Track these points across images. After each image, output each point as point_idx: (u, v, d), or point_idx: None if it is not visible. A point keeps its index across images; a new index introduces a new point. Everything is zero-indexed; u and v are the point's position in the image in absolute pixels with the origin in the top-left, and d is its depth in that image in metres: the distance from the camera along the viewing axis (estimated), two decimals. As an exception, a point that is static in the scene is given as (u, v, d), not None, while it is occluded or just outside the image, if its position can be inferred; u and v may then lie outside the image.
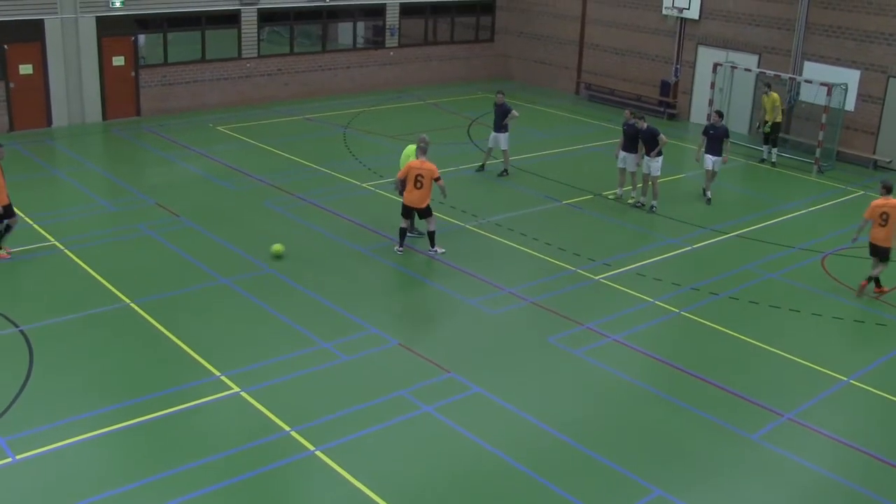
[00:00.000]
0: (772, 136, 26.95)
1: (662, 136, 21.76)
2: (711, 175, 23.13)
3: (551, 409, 13.35)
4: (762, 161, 27.30)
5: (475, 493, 11.45)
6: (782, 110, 26.95)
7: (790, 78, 27.96)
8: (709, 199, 23.18)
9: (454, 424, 12.82)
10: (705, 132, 22.96)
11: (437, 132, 28.56)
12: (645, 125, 21.89)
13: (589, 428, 12.97)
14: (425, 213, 18.68)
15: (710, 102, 29.23)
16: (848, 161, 27.45)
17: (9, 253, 17.78)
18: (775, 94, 26.67)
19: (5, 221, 17.77)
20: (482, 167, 24.96)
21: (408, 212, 18.74)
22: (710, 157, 22.85)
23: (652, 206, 22.14)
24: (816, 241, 20.69)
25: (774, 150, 27.07)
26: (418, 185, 18.37)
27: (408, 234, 19.20)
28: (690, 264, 19.13)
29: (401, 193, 18.98)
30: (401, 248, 18.85)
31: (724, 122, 23.18)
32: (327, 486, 11.42)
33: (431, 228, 18.76)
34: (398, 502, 11.12)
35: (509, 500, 11.35)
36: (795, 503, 11.60)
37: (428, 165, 18.41)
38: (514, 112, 24.31)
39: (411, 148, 19.42)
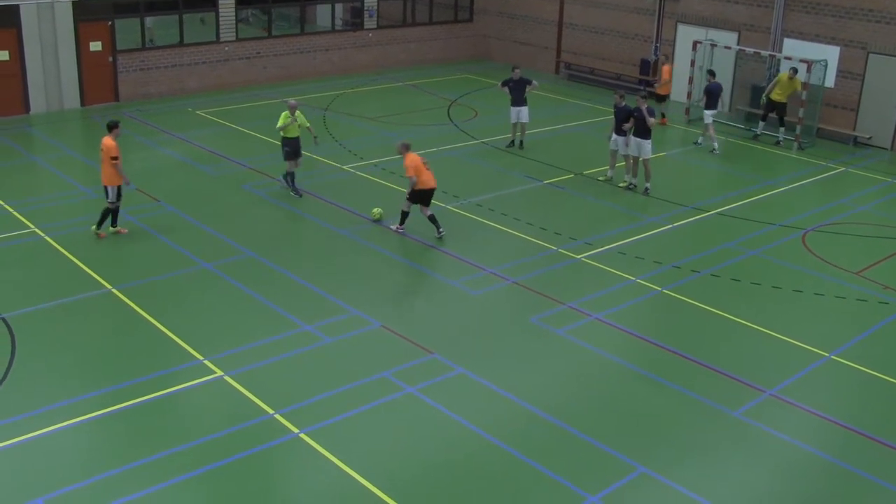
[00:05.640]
0: (779, 116, 26.81)
1: (651, 119, 21.63)
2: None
3: (534, 389, 13.39)
4: (755, 137, 27.31)
5: (459, 474, 11.49)
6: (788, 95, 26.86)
7: (770, 55, 27.99)
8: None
9: (438, 405, 12.84)
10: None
11: (417, 113, 28.56)
12: (645, 105, 21.72)
13: (572, 406, 13.02)
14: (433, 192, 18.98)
15: (691, 80, 29.29)
16: (828, 138, 27.53)
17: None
18: (799, 80, 26.52)
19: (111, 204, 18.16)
20: (512, 143, 25.41)
21: (427, 196, 18.70)
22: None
23: (646, 189, 22.08)
24: (797, 218, 20.77)
25: (782, 130, 26.90)
26: (428, 167, 18.59)
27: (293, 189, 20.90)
28: (672, 242, 19.17)
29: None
30: (402, 228, 19.00)
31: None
32: (312, 468, 11.43)
33: (431, 212, 18.82)
34: (382, 483, 11.15)
35: (493, 479, 11.39)
36: (777, 478, 11.68)
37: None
38: (535, 83, 25.04)
39: (285, 114, 20.48)
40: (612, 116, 22.65)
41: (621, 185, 22.48)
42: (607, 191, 22.18)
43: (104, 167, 17.84)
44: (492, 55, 38.25)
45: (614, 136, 22.44)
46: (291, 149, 20.61)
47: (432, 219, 18.71)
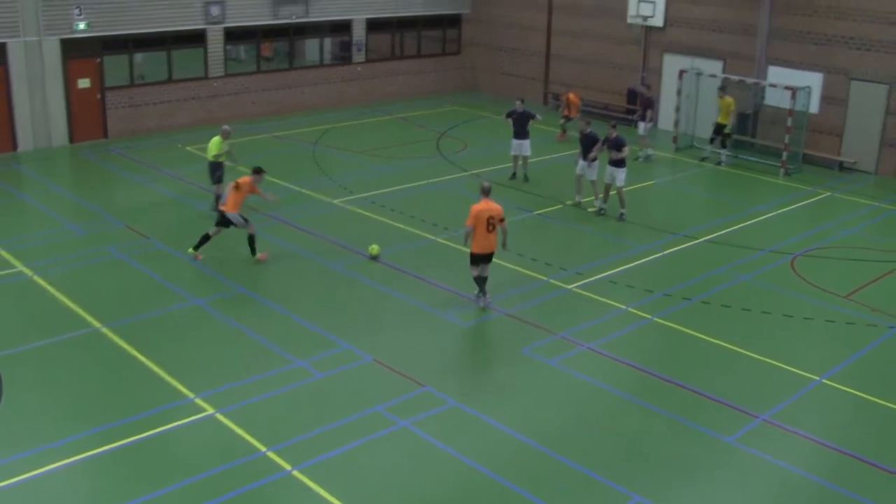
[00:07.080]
0: (721, 138, 27.63)
1: (625, 148, 21.88)
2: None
3: (528, 420, 13.36)
4: (703, 160, 27.74)
5: (454, 507, 11.45)
6: (734, 113, 27.39)
7: (754, 82, 28.19)
8: None
9: (431, 439, 12.80)
10: None
11: (407, 146, 28.64)
12: (615, 133, 21.97)
13: (566, 437, 12.99)
14: (490, 258, 17.18)
15: (678, 109, 29.45)
16: (814, 163, 27.68)
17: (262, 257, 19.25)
18: (730, 98, 27.02)
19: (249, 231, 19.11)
20: (514, 175, 25.40)
21: (479, 259, 16.99)
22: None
23: (621, 214, 22.16)
24: (785, 243, 20.84)
25: (724, 151, 27.58)
26: (490, 228, 16.75)
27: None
28: (662, 270, 19.21)
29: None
30: (485, 298, 17.21)
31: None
32: (305, 504, 11.39)
33: (486, 274, 17.20)
34: (377, 519, 11.10)
35: (488, 512, 11.35)
36: (771, 503, 11.68)
37: (496, 206, 16.89)
38: (538, 116, 25.12)
39: (216, 139, 21.72)
40: (579, 143, 23.01)
41: (590, 210, 22.67)
42: (596, 220, 22.24)
43: (237, 197, 18.65)
44: (480, 87, 38.44)
45: (581, 161, 22.75)
46: (222, 172, 21.81)
47: (478, 280, 17.20)
